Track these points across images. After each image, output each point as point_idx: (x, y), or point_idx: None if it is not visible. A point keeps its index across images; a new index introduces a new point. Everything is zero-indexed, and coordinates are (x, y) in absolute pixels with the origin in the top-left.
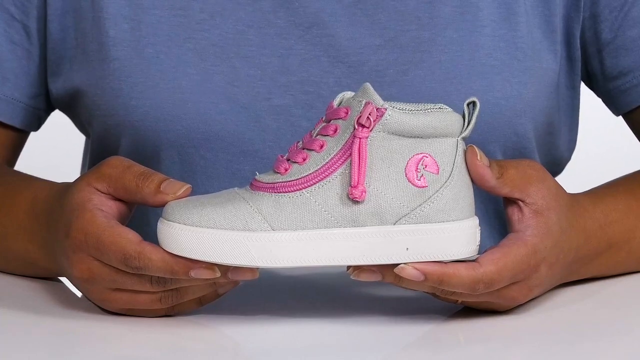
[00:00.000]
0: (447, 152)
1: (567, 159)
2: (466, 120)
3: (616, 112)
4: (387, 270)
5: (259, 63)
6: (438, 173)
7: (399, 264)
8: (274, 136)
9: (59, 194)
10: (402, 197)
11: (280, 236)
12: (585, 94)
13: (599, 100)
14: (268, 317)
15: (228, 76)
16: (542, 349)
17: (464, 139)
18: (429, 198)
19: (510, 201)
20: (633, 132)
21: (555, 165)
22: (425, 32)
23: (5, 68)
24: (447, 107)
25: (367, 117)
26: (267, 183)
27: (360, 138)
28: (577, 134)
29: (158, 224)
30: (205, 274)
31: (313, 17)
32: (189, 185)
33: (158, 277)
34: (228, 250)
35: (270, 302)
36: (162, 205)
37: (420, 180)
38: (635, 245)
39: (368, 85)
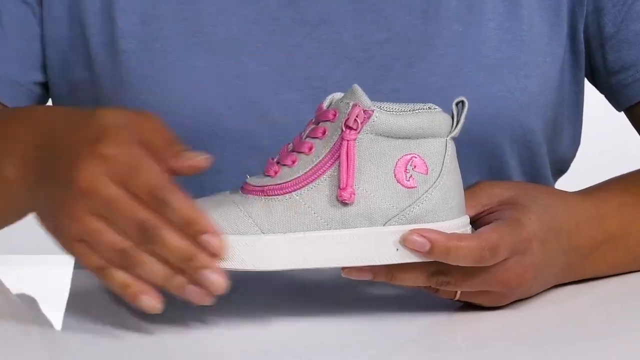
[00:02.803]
0: (436, 152)
1: (572, 156)
2: (455, 120)
3: (618, 107)
4: (379, 269)
5: (267, 59)
6: (427, 173)
7: (390, 264)
8: (281, 131)
9: (72, 112)
10: (391, 198)
11: (270, 239)
12: (588, 92)
13: (602, 98)
14: (265, 317)
15: (236, 71)
16: (542, 348)
17: (452, 138)
18: (418, 199)
19: (481, 223)
20: (635, 127)
21: (561, 162)
22: (431, 25)
23: (12, 49)
24: (437, 107)
25: (355, 119)
26: (257, 186)
27: (348, 140)
28: (581, 130)
29: None
30: (214, 246)
31: (320, 15)
32: (208, 157)
33: (149, 227)
34: None
35: (266, 302)
36: (177, 169)
37: (409, 180)
38: (633, 242)
39: (357, 87)
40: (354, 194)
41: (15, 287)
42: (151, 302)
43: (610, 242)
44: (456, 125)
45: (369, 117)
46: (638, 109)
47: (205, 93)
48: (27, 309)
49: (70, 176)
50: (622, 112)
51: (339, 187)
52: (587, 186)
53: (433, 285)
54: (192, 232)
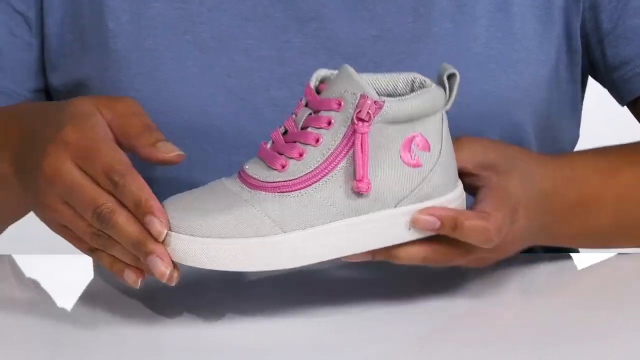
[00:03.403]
0: (435, 128)
1: (573, 141)
2: (447, 93)
3: (621, 102)
4: (378, 250)
5: (257, 56)
6: (430, 150)
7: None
8: (272, 128)
9: (49, 104)
10: (401, 180)
11: (292, 237)
12: (588, 88)
13: (600, 96)
14: (264, 315)
15: (226, 68)
16: (541, 348)
17: (447, 111)
18: (425, 177)
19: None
20: (639, 121)
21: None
22: (422, 23)
23: (4, 60)
24: (420, 76)
25: (367, 111)
26: (267, 182)
27: (362, 133)
28: (579, 127)
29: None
30: (155, 228)
31: (312, 11)
32: (182, 153)
33: (103, 213)
34: (243, 259)
35: (265, 301)
36: (149, 158)
37: (414, 160)
38: (607, 206)
39: (350, 70)
40: (370, 184)
41: (16, 287)
42: (132, 276)
43: (583, 205)
44: (449, 98)
45: (380, 108)
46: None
47: (196, 90)
48: (30, 309)
49: (39, 164)
50: (623, 108)
51: (355, 179)
52: None
53: (431, 262)
54: (140, 213)
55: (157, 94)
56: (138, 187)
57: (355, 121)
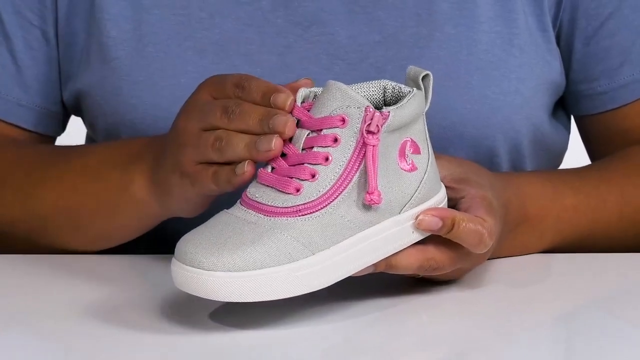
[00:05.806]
0: (420, 130)
1: (565, 147)
2: (425, 94)
3: (571, 112)
4: (378, 261)
5: (259, 61)
6: (421, 153)
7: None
8: None
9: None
10: (402, 187)
11: (321, 258)
12: None
13: None
14: (262, 316)
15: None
16: (540, 348)
17: (425, 112)
18: (422, 179)
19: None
20: (581, 136)
21: (554, 159)
22: (424, 28)
23: (27, 75)
24: (391, 82)
25: (376, 124)
26: (287, 207)
27: (373, 146)
28: (569, 134)
29: (192, 274)
30: (280, 99)
31: (312, 16)
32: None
33: (230, 107)
34: (280, 286)
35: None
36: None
37: (410, 165)
38: (547, 227)
39: (340, 85)
40: (381, 195)
41: (16, 287)
42: (243, 167)
43: (527, 224)
44: (427, 100)
45: (385, 119)
46: (588, 120)
47: None
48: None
49: (177, 121)
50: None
51: (367, 192)
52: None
53: (425, 270)
54: (267, 97)
55: (158, 100)
56: (264, 82)
57: (365, 134)
